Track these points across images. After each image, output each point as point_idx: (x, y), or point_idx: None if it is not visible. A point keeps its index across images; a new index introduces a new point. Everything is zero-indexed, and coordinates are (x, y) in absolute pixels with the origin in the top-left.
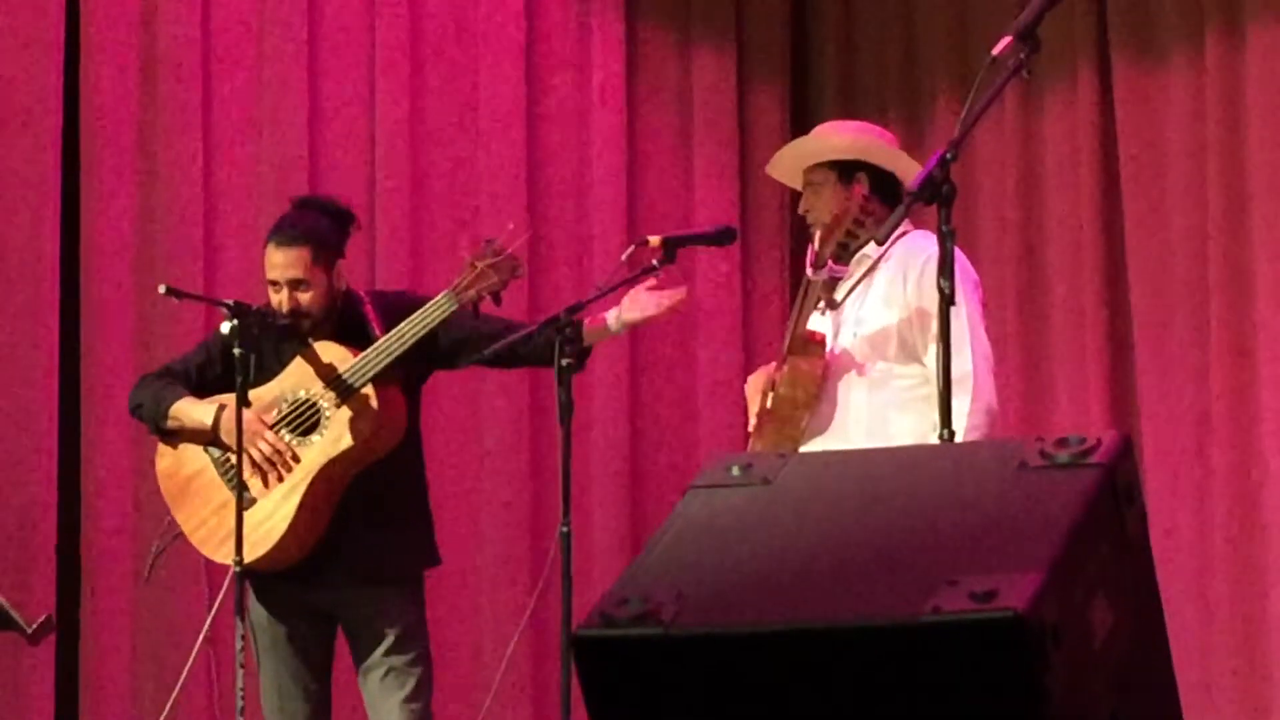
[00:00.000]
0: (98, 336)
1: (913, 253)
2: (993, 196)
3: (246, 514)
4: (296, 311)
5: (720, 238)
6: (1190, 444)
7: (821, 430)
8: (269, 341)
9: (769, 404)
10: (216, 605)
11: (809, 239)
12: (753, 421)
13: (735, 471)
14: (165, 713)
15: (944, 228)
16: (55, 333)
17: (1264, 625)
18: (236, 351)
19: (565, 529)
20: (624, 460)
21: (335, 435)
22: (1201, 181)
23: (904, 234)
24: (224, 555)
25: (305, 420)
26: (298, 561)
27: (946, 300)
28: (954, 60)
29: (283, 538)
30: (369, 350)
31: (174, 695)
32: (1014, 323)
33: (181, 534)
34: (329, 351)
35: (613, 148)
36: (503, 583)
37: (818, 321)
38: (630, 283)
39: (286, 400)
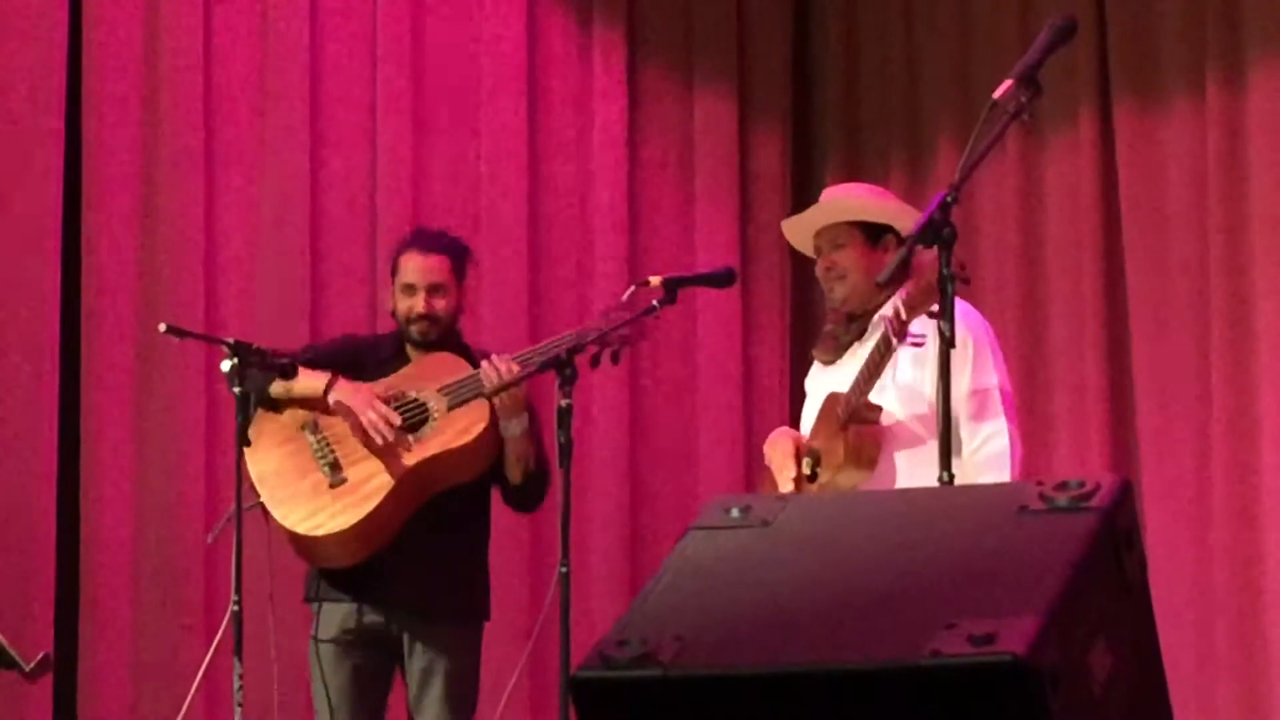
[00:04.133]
0: (98, 374)
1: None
2: (994, 239)
3: (334, 491)
4: (431, 315)
5: (721, 279)
6: (1190, 481)
7: None
8: (374, 356)
9: (815, 472)
10: (215, 644)
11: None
12: (787, 487)
13: (735, 513)
14: None
15: (944, 271)
16: (56, 370)
17: (1265, 664)
18: (236, 390)
19: (564, 569)
20: (623, 501)
21: (442, 436)
22: (1203, 223)
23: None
24: (309, 527)
25: (412, 418)
26: (352, 560)
27: (946, 343)
28: (956, 103)
29: (357, 523)
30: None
31: None
32: (1015, 362)
33: (257, 504)
34: (448, 360)
35: (614, 188)
36: (502, 623)
37: (834, 381)
38: (631, 323)
39: (396, 397)
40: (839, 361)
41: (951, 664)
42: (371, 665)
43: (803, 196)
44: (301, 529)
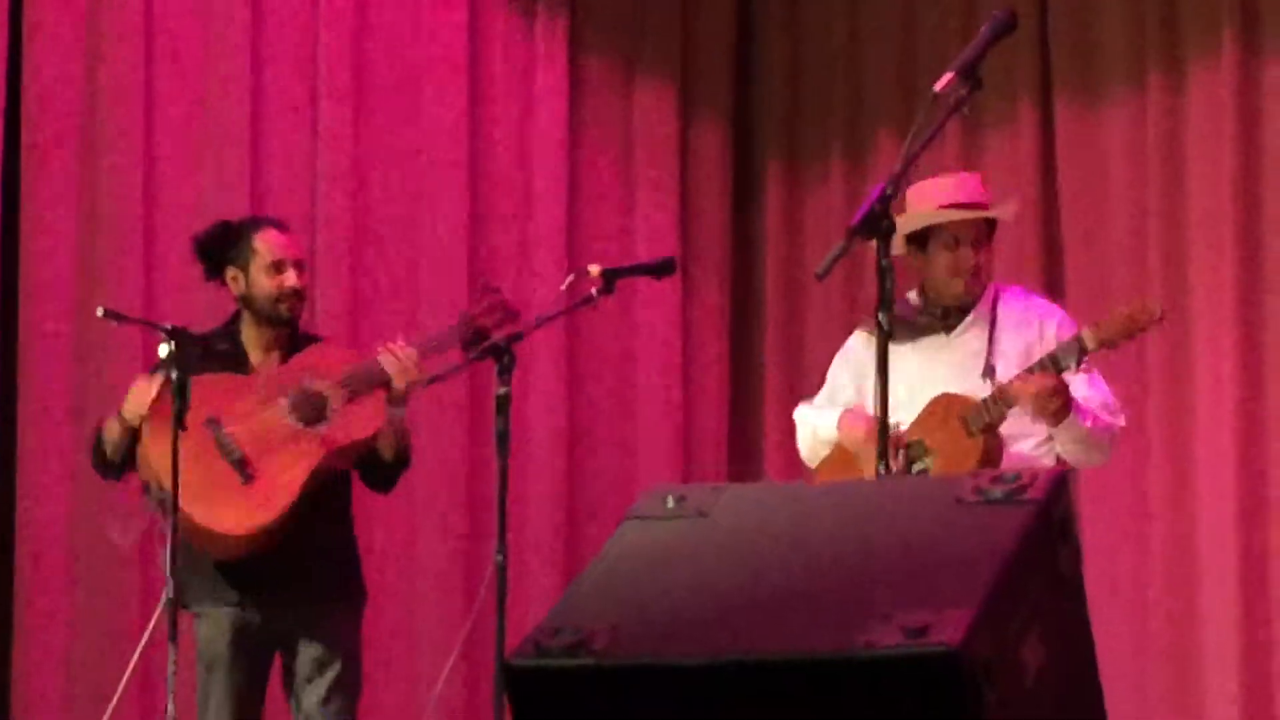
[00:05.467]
0: (35, 359)
1: (1030, 312)
2: None
3: (247, 487)
4: (303, 291)
5: (660, 269)
6: (1128, 473)
7: None
8: (216, 355)
9: (912, 466)
10: (148, 633)
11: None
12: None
13: (670, 503)
14: None
15: (883, 262)
16: None
17: (1198, 666)
18: (173, 375)
19: (500, 558)
20: (561, 490)
21: (345, 427)
22: (1142, 218)
23: (996, 291)
24: (227, 525)
25: (311, 409)
26: (250, 552)
27: (885, 336)
28: (897, 96)
29: (277, 519)
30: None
31: (108, 715)
32: None
33: (164, 499)
34: (339, 350)
35: (555, 177)
36: (438, 610)
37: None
38: (569, 312)
39: (293, 389)
40: (915, 345)
41: (885, 655)
42: (257, 664)
43: (743, 187)
44: (217, 526)
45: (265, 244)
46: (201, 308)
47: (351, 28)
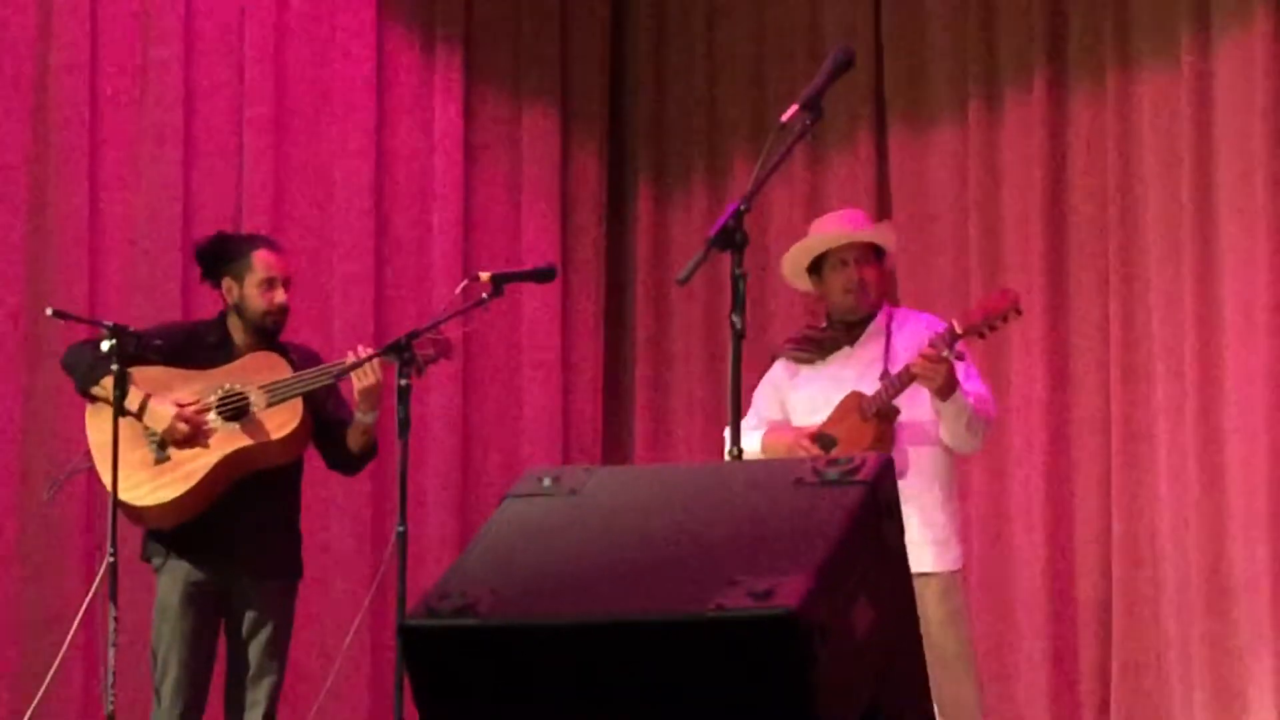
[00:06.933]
0: None
1: (918, 323)
2: (783, 245)
3: (158, 466)
4: (286, 309)
5: (543, 275)
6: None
7: None
8: (202, 343)
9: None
10: (92, 591)
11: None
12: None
13: (546, 483)
14: (44, 686)
15: (736, 271)
16: None
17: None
18: (114, 368)
19: (401, 530)
20: (455, 470)
21: (258, 428)
22: (963, 228)
23: (890, 311)
24: (133, 496)
25: (233, 408)
26: (168, 525)
27: (738, 335)
28: (750, 123)
29: (176, 498)
30: (308, 371)
31: (52, 671)
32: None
33: (90, 467)
34: (272, 360)
35: (451, 196)
36: (345, 578)
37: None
38: (463, 313)
39: (223, 388)
40: (826, 360)
41: (733, 616)
42: (208, 618)
43: (617, 205)
44: (126, 497)
45: (261, 262)
46: (140, 308)
47: (272, 66)
